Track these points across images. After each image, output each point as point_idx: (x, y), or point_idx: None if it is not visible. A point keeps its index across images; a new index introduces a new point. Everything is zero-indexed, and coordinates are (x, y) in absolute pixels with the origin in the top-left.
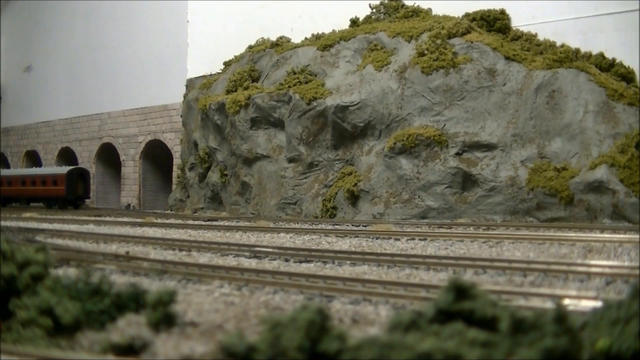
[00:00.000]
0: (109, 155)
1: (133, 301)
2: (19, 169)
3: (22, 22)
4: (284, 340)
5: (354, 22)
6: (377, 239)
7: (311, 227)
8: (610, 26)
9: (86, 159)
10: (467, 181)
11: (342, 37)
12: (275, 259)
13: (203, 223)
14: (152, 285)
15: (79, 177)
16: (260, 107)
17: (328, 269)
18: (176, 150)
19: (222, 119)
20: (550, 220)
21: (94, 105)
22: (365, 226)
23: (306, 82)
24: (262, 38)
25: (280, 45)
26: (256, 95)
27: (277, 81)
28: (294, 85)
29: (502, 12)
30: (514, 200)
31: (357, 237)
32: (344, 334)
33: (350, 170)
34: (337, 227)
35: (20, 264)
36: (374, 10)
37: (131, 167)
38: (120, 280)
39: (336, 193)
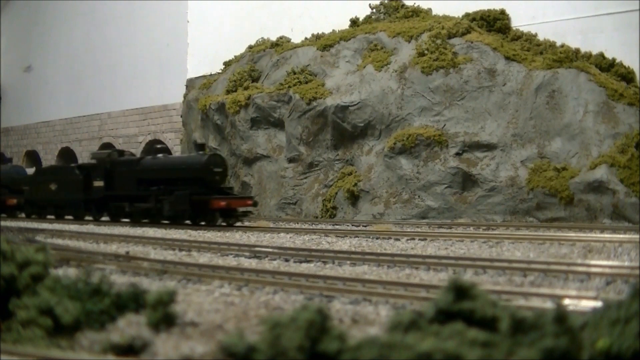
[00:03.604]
0: None
1: (133, 301)
2: None
3: (22, 22)
4: (284, 340)
5: (354, 22)
6: (377, 239)
7: (311, 227)
8: (610, 26)
9: (86, 159)
10: (467, 181)
11: (342, 37)
12: (275, 259)
13: (203, 223)
14: (152, 285)
15: None
16: (260, 107)
17: (328, 269)
18: (176, 150)
19: (222, 119)
20: (550, 220)
21: (94, 105)
22: (365, 226)
23: (306, 82)
24: (262, 38)
25: (280, 45)
26: (256, 95)
27: (277, 81)
28: (294, 85)
29: (502, 12)
30: (514, 200)
31: (357, 237)
32: (344, 334)
33: (350, 170)
34: (337, 227)
35: (20, 264)
36: (374, 10)
37: None
38: (120, 280)
39: (336, 193)
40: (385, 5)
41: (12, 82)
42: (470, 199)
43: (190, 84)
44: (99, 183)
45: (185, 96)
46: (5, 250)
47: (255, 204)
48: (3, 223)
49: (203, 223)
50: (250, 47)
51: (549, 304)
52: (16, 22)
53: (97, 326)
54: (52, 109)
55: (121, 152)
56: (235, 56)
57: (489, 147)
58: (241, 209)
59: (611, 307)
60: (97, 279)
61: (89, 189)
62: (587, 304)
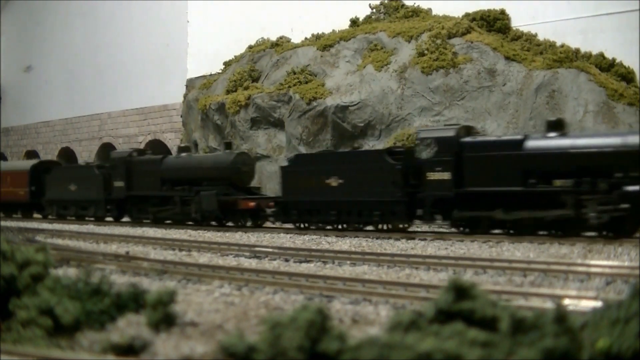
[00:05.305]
0: (109, 155)
1: (133, 301)
2: None
3: (22, 22)
4: (284, 340)
5: (354, 22)
6: (377, 239)
7: (311, 227)
8: (610, 26)
9: (86, 159)
10: None
11: (342, 37)
12: (275, 259)
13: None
14: (152, 285)
15: None
16: (260, 107)
17: (328, 269)
18: (176, 150)
19: (222, 119)
20: None
21: (93, 105)
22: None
23: (306, 82)
24: (262, 38)
25: (280, 45)
26: (256, 95)
27: (277, 81)
28: (294, 85)
29: (502, 12)
30: None
31: (357, 237)
32: (344, 334)
33: None
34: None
35: (20, 264)
36: (374, 10)
37: None
38: (120, 280)
39: None
40: (385, 5)
41: (12, 82)
42: None
43: (190, 84)
44: (441, 175)
45: (185, 96)
46: (5, 250)
47: None
48: (3, 223)
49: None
50: (250, 47)
51: (549, 304)
52: (16, 22)
53: (97, 326)
54: (52, 109)
55: (468, 129)
56: (235, 56)
57: None
58: None
59: (611, 307)
60: (97, 279)
61: (412, 185)
62: (587, 304)
